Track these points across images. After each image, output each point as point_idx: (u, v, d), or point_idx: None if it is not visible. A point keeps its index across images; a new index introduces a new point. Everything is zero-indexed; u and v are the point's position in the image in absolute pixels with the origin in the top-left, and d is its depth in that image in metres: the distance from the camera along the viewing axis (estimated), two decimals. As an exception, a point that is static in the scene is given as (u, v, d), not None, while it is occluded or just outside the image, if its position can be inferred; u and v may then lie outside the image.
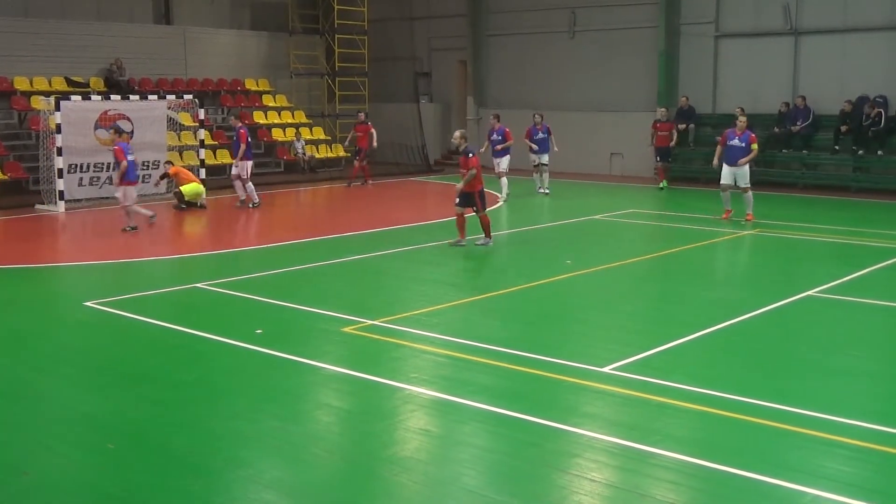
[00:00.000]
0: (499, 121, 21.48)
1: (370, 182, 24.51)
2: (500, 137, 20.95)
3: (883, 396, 8.05)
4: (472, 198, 14.49)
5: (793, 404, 7.43)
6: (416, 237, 15.91)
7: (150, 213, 16.75)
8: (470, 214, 14.65)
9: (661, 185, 23.49)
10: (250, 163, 20.00)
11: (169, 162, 21.01)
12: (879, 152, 22.08)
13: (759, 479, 6.06)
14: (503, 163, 20.84)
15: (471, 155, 14.58)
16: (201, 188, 19.91)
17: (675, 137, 23.07)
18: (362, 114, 25.29)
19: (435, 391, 7.90)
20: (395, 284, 12.73)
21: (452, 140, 15.35)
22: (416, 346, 9.29)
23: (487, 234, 14.70)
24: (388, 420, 7.40)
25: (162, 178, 20.70)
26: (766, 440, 6.82)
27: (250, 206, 19.63)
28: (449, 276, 13.23)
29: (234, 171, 20.00)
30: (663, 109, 23.83)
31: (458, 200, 14.52)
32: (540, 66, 28.19)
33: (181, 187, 19.57)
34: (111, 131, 17.27)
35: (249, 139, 20.11)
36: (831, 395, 7.82)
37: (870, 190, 21.85)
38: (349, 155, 25.03)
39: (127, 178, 16.18)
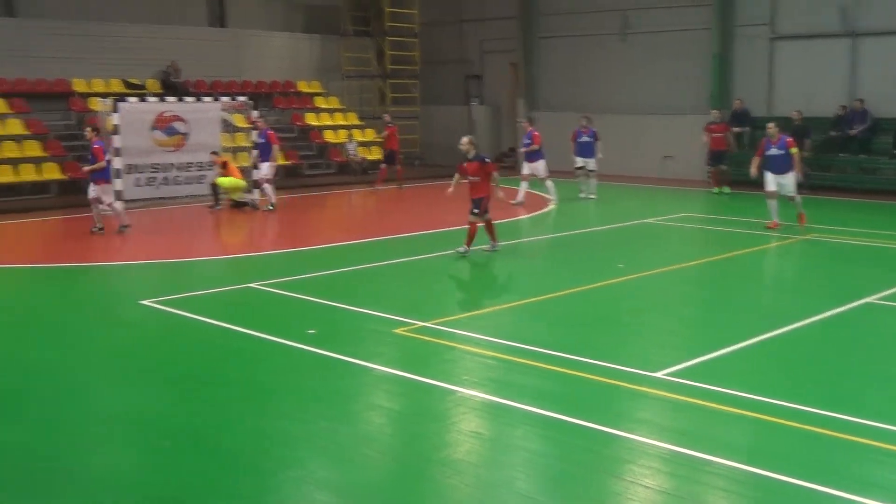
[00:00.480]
0: (531, 124, 21.50)
1: (379, 186, 24.16)
2: (528, 141, 20.87)
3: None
4: (482, 202, 14.18)
5: (850, 413, 7.30)
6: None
7: (126, 222, 16.64)
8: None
9: (715, 189, 22.95)
10: (273, 164, 20.10)
11: (215, 152, 20.91)
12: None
13: (815, 489, 5.98)
14: (539, 167, 20.73)
15: (487, 160, 14.56)
16: (241, 183, 19.92)
17: (731, 140, 21.92)
18: (387, 115, 25.27)
19: (486, 394, 7.90)
20: (447, 286, 12.76)
21: (460, 146, 14.96)
22: (467, 348, 9.29)
23: (493, 238, 14.56)
24: (440, 422, 7.42)
25: (220, 165, 20.23)
26: (822, 449, 6.73)
27: (269, 207, 19.65)
28: (500, 279, 13.22)
29: (262, 173, 19.79)
30: (716, 111, 23.19)
31: (476, 210, 14.18)
32: (591, 68, 28.08)
33: (218, 179, 19.58)
34: (89, 129, 17.05)
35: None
36: (890, 404, 7.68)
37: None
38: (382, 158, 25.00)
39: (103, 176, 16.33)
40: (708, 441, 6.80)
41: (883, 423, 7.08)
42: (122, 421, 7.49)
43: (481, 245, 14.40)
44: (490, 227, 14.41)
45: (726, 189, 22.64)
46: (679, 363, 8.61)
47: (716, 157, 22.66)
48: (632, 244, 15.97)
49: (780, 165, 16.32)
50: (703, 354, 8.96)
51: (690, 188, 24.41)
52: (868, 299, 11.34)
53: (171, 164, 21.46)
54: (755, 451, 6.67)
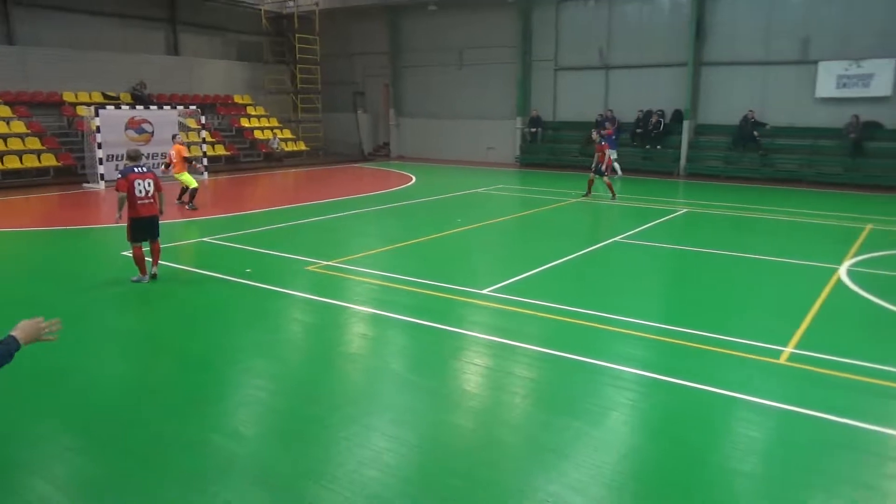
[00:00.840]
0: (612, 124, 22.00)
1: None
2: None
3: (666, 307, 8.38)
4: (599, 166, 16.45)
5: (607, 311, 7.66)
6: (356, 205, 15.69)
7: None
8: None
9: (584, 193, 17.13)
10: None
11: (176, 135, 15.78)
12: (658, 147, 22.78)
13: (584, 360, 6.26)
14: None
15: (603, 142, 16.53)
16: (193, 183, 14.84)
17: (607, 157, 16.81)
18: (595, 133, 18.13)
19: (370, 308, 7.87)
20: (342, 237, 12.54)
21: (593, 136, 17.24)
22: (357, 278, 9.21)
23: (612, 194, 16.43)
24: (339, 328, 7.35)
25: (167, 166, 15.13)
26: (589, 335, 7.03)
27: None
28: (378, 231, 13.10)
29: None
30: (596, 134, 17.81)
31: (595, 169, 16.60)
32: (438, 88, 27.91)
33: (183, 178, 14.67)
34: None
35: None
36: (632, 305, 8.04)
37: (654, 171, 22.55)
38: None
39: None
40: (517, 333, 7.00)
41: (626, 316, 7.47)
42: (113, 335, 7.08)
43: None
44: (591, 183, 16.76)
45: (585, 193, 17.08)
46: (498, 283, 8.81)
47: (598, 169, 16.74)
48: (466, 205, 16.13)
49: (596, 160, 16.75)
50: (513, 277, 9.18)
51: (505, 169, 24.82)
52: (615, 239, 11.89)
53: (141, 154, 20.07)
54: (547, 338, 6.92)
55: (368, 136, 30.01)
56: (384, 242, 11.69)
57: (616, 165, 21.38)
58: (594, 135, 17.41)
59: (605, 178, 16.60)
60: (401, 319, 7.43)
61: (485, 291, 8.44)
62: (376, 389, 5.78)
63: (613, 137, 21.62)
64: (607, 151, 16.70)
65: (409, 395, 5.65)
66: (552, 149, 24.99)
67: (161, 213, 9.16)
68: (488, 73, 26.47)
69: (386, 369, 6.20)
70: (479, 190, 18.65)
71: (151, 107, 21.14)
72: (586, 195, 16.95)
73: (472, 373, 6.06)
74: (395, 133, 29.32)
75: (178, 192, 15.47)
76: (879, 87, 19.49)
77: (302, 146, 27.31)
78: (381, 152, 29.70)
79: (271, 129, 26.81)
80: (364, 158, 28.25)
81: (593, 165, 16.86)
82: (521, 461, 4.62)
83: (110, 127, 19.13)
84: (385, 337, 7.08)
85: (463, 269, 9.98)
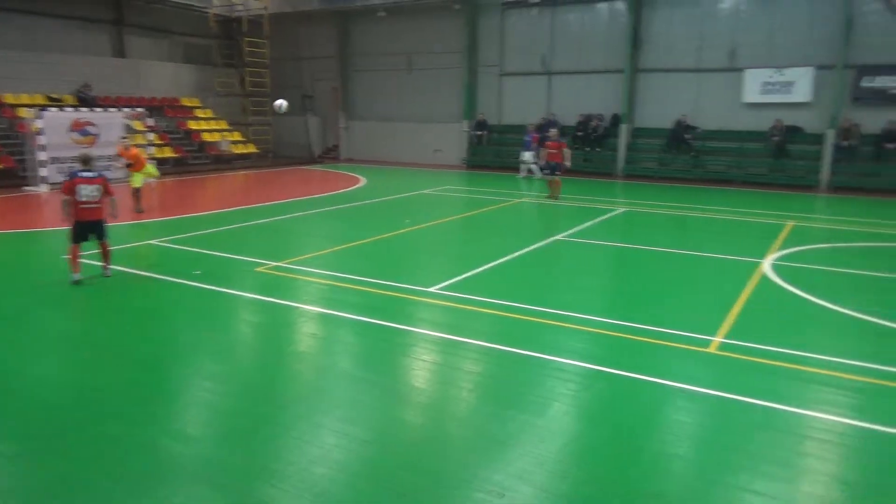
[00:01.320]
0: (536, 130, 22.04)
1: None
2: (528, 139, 22.01)
3: (604, 301, 8.55)
4: (557, 166, 16.48)
5: (549, 306, 7.76)
6: (306, 206, 15.47)
7: None
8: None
9: (549, 198, 16.76)
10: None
11: (125, 138, 15.86)
12: (598, 149, 23.22)
13: (528, 354, 6.34)
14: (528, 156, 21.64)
15: (562, 140, 16.83)
16: (153, 171, 15.33)
17: (567, 155, 16.74)
18: (555, 130, 18.06)
19: (319, 308, 7.78)
20: (292, 239, 12.36)
21: (549, 135, 17.35)
22: (306, 279, 9.09)
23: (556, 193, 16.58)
24: (288, 328, 7.24)
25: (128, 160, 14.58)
26: (532, 330, 7.10)
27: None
28: (327, 232, 12.95)
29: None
30: (555, 130, 17.92)
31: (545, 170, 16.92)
32: (387, 91, 27.79)
33: (133, 181, 14.28)
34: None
35: None
36: (573, 300, 8.19)
37: (594, 173, 22.97)
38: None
39: None
40: (464, 329, 7.03)
41: (568, 311, 7.59)
42: (54, 337, 6.79)
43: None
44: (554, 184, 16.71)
45: (557, 195, 16.75)
46: (444, 281, 8.82)
47: (551, 168, 16.94)
48: (414, 206, 16.08)
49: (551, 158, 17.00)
50: (459, 275, 9.20)
51: (452, 170, 24.88)
52: (557, 237, 12.06)
53: (92, 158, 19.24)
54: (494, 334, 6.97)
55: (318, 138, 29.66)
56: (333, 243, 11.56)
57: (534, 167, 21.60)
58: (552, 131, 17.60)
59: (557, 176, 16.79)
60: (350, 318, 7.37)
61: (432, 289, 8.44)
62: (325, 387, 5.71)
63: (533, 143, 21.78)
64: (565, 150, 16.82)
65: (358, 391, 5.60)
66: (497, 151, 25.18)
67: (114, 216, 9.06)
68: (436, 77, 26.50)
69: (335, 367, 6.13)
70: (426, 191, 18.64)
71: (96, 109, 20.40)
72: (555, 197, 17.07)
73: (420, 369, 6.05)
74: (345, 136, 29.07)
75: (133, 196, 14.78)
76: (800, 94, 20.37)
77: (252, 148, 26.79)
78: (330, 154, 29.39)
79: (220, 131, 26.22)
80: (314, 161, 27.91)
81: (542, 165, 17.07)
82: (469, 452, 4.64)
83: (54, 129, 18.37)
84: (334, 336, 7.01)
85: (411, 268, 9.94)
